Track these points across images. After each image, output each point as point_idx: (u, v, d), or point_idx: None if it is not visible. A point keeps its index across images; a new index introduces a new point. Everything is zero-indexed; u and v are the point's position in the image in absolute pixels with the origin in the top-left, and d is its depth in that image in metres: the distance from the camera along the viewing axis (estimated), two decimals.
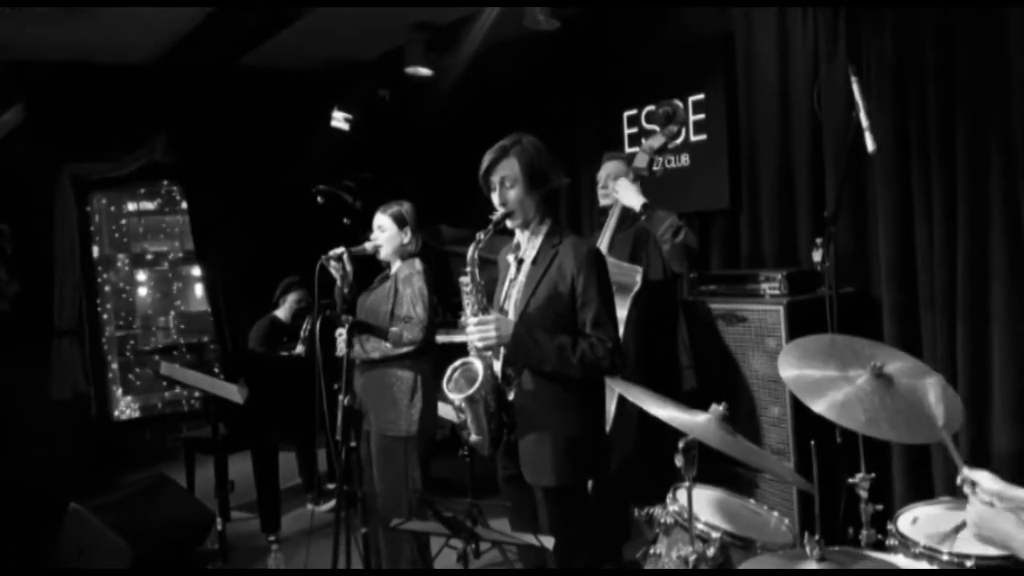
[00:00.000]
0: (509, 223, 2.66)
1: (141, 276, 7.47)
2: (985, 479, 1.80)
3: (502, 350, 2.59)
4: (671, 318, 4.08)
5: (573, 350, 2.50)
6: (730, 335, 3.96)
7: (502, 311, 2.66)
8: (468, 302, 2.60)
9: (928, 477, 3.69)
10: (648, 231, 3.73)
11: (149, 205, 7.42)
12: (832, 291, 3.16)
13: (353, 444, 3.10)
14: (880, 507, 2.79)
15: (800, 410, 3.59)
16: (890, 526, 2.40)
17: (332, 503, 5.12)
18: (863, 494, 2.79)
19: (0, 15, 4.77)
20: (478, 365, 2.54)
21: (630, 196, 3.73)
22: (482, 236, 2.57)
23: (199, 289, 7.42)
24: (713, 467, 2.66)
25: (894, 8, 3.77)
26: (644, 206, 3.67)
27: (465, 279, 2.58)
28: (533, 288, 2.61)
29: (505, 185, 2.62)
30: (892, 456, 3.79)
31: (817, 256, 3.81)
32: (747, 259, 4.64)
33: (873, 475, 2.83)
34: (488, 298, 2.65)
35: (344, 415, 2.99)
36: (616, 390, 3.44)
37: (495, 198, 2.65)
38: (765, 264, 4.47)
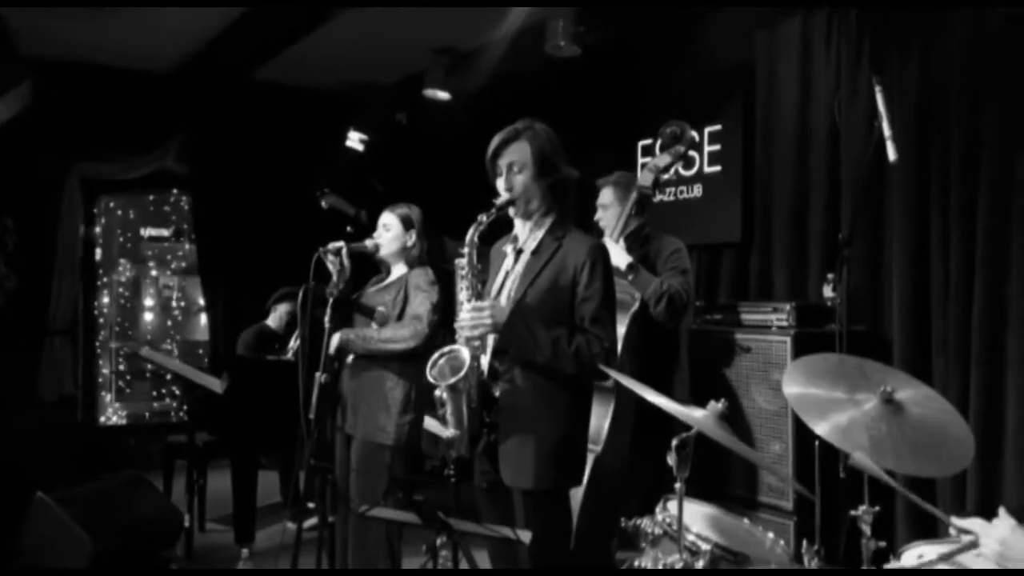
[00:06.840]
0: (511, 211, 2.53)
1: (148, 301, 7.41)
2: (978, 526, 1.69)
3: (491, 344, 2.46)
4: (671, 347, 3.88)
5: (569, 343, 2.37)
6: (733, 366, 3.84)
7: None
8: (462, 286, 2.46)
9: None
10: (657, 251, 3.62)
11: (164, 232, 7.41)
12: (842, 326, 3.04)
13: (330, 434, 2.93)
14: (883, 544, 2.62)
15: (802, 446, 3.46)
16: (893, 563, 2.24)
17: (311, 522, 4.93)
18: (866, 528, 2.62)
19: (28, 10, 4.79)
20: (465, 354, 2.40)
21: (615, 256, 3.45)
22: (484, 218, 2.46)
23: (203, 319, 7.31)
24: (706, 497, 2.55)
25: (921, 39, 3.72)
26: (629, 266, 3.51)
27: (461, 261, 2.45)
28: (532, 279, 2.48)
29: (513, 170, 2.49)
30: (896, 491, 3.61)
31: (828, 291, 3.71)
32: (756, 294, 4.53)
33: (877, 508, 2.66)
34: (483, 285, 2.53)
35: (320, 394, 2.83)
36: (609, 407, 3.34)
37: (500, 183, 2.52)
38: (774, 300, 4.32)
